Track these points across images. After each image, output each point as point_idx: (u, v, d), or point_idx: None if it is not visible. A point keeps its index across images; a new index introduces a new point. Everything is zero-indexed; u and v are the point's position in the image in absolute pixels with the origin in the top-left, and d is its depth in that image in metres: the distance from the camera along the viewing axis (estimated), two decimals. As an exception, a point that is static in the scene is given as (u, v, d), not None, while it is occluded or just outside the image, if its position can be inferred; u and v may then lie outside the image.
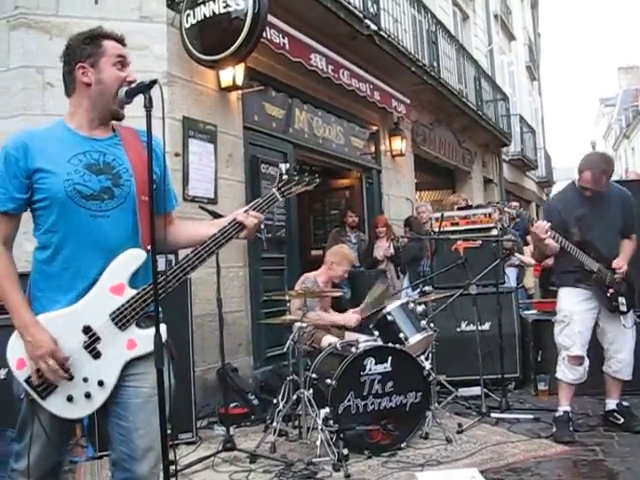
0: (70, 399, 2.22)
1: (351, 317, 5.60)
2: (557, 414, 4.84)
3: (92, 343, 2.24)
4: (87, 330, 2.23)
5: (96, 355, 2.24)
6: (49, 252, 2.28)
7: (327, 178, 10.57)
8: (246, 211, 2.44)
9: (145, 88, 2.22)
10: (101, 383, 2.24)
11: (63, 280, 2.26)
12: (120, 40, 2.43)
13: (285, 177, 2.57)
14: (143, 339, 2.26)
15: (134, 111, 2.42)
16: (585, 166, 4.75)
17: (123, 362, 2.26)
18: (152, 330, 2.20)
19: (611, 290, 4.69)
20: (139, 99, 2.26)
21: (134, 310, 2.25)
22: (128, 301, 2.25)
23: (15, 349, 2.23)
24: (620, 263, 4.70)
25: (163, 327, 2.21)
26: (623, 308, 4.72)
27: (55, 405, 2.23)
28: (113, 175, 2.34)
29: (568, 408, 4.81)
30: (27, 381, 2.22)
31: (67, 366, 2.20)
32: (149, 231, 2.20)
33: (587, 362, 4.74)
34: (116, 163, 2.36)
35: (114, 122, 2.47)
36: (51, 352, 2.17)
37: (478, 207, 8.15)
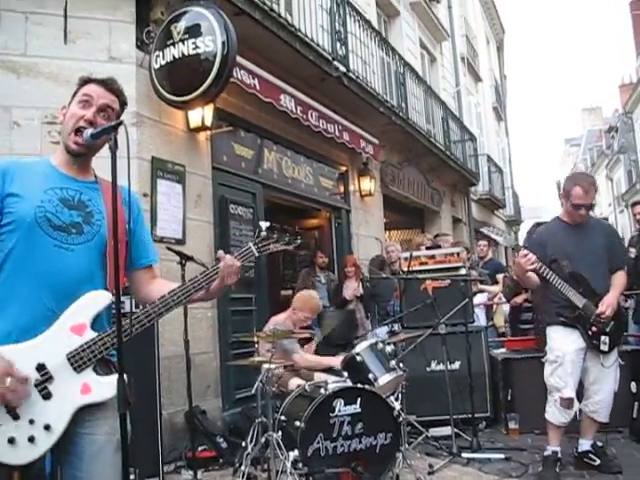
0: (12, 441, 2.09)
1: (336, 360, 5.54)
2: (546, 453, 4.78)
3: (44, 382, 2.15)
4: (41, 368, 2.15)
5: (46, 396, 2.15)
6: (4, 277, 2.24)
7: (296, 218, 10.62)
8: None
9: (110, 129, 2.23)
10: (48, 427, 2.13)
11: (11, 307, 2.20)
12: (103, 83, 2.44)
13: (264, 234, 2.56)
14: (99, 385, 2.20)
15: (102, 151, 2.42)
16: (572, 182, 4.77)
17: (75, 407, 2.17)
18: (109, 378, 2.17)
19: (593, 329, 4.60)
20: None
21: (92, 353, 2.19)
22: (87, 343, 2.20)
23: None
24: (603, 308, 4.57)
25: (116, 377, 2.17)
26: (604, 348, 4.61)
27: None
28: (85, 213, 2.35)
29: (557, 448, 4.73)
30: None
31: (29, 384, 2.12)
32: (120, 276, 2.17)
33: (577, 405, 4.67)
34: (90, 203, 2.39)
35: (98, 174, 2.51)
36: (7, 372, 2.08)
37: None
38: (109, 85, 2.45)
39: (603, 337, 4.61)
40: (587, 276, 4.62)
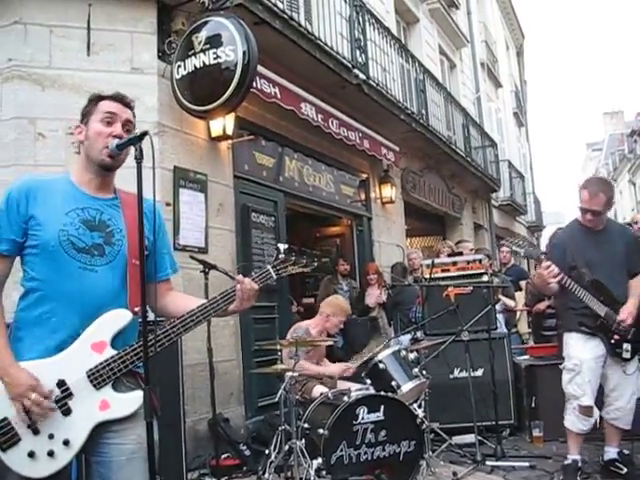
0: (32, 455, 2.16)
1: (335, 370, 5.53)
2: (566, 462, 4.74)
3: (64, 398, 2.20)
4: (61, 384, 2.20)
5: (66, 412, 2.20)
6: (31, 300, 2.29)
7: (318, 226, 10.64)
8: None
9: (136, 140, 2.27)
10: (67, 442, 2.18)
11: (41, 330, 2.25)
12: (119, 99, 2.48)
13: (282, 256, 2.60)
14: (117, 402, 2.24)
15: (129, 162, 2.44)
16: (583, 186, 4.76)
17: (93, 423, 2.22)
18: (128, 395, 2.22)
19: (616, 337, 4.56)
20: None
21: (112, 370, 2.23)
22: (107, 360, 2.24)
23: None
24: (623, 317, 4.54)
25: (139, 393, 2.20)
26: (627, 355, 4.57)
27: (14, 460, 2.16)
28: (106, 233, 2.38)
29: (577, 457, 4.69)
30: None
31: (52, 400, 2.17)
32: (138, 294, 2.22)
33: (597, 413, 4.64)
34: (111, 223, 2.41)
35: (118, 187, 2.54)
36: (32, 387, 2.14)
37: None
38: (124, 100, 2.49)
39: (625, 345, 4.57)
40: (606, 283, 4.59)
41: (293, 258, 2.61)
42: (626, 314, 4.55)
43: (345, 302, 6.13)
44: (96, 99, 2.48)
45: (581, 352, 4.63)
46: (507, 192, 19.53)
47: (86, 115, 2.46)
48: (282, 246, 2.65)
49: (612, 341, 4.58)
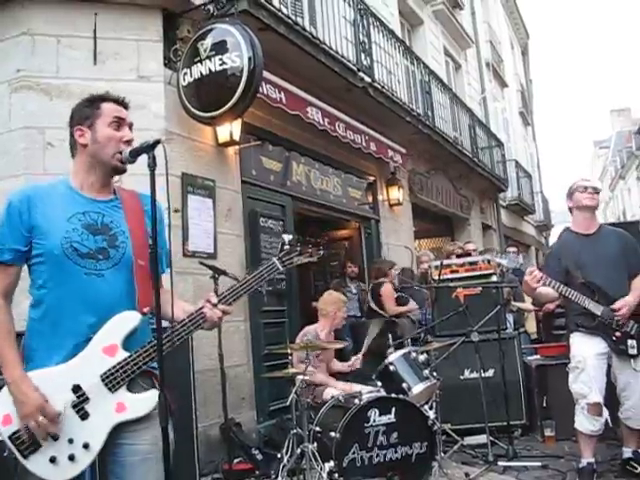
0: (53, 460, 2.19)
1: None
2: (580, 465, 4.68)
3: (80, 403, 2.23)
4: (76, 389, 2.23)
5: (84, 416, 2.23)
6: (42, 310, 2.31)
7: (326, 229, 10.65)
8: (218, 301, 2.44)
9: (148, 148, 2.27)
10: (86, 446, 2.21)
11: (54, 338, 2.27)
12: (120, 102, 2.50)
13: (287, 247, 2.58)
14: (133, 403, 2.27)
15: (137, 169, 2.47)
16: (573, 182, 4.91)
17: (111, 425, 2.24)
18: (143, 395, 2.24)
19: (617, 334, 4.52)
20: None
21: (125, 372, 2.25)
22: (120, 363, 2.26)
23: (2, 404, 2.22)
24: (619, 305, 4.51)
25: (154, 392, 2.23)
26: (632, 351, 4.51)
27: (37, 465, 2.19)
28: (110, 236, 2.38)
29: (592, 459, 4.63)
30: (11, 438, 2.20)
31: (58, 422, 2.19)
32: (147, 295, 2.24)
33: (606, 413, 4.58)
34: (113, 225, 2.41)
35: (116, 185, 2.54)
36: (41, 408, 2.16)
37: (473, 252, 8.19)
38: (124, 103, 2.51)
39: (630, 341, 4.53)
40: (603, 284, 4.57)
41: (298, 249, 2.59)
42: (621, 303, 4.51)
43: (338, 293, 6.22)
44: (97, 101, 2.46)
45: (583, 350, 4.62)
46: (515, 192, 19.50)
47: (88, 118, 2.43)
48: (287, 237, 2.62)
49: (614, 338, 4.55)
